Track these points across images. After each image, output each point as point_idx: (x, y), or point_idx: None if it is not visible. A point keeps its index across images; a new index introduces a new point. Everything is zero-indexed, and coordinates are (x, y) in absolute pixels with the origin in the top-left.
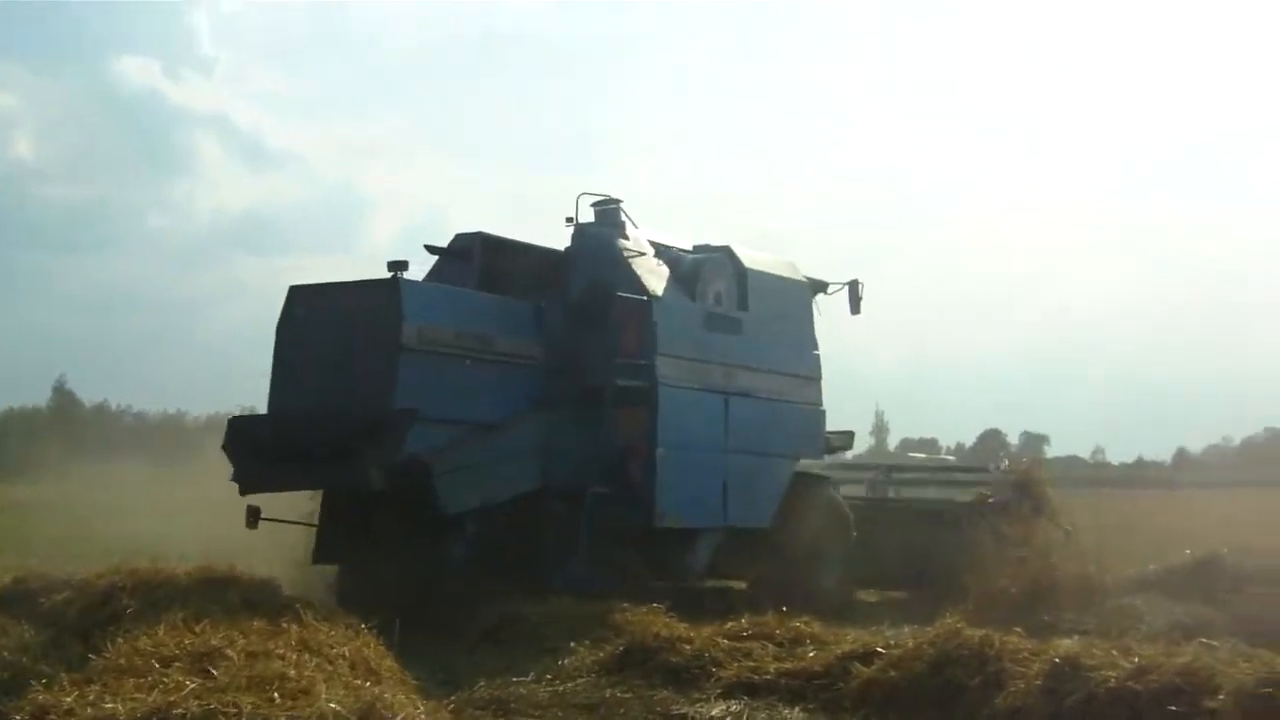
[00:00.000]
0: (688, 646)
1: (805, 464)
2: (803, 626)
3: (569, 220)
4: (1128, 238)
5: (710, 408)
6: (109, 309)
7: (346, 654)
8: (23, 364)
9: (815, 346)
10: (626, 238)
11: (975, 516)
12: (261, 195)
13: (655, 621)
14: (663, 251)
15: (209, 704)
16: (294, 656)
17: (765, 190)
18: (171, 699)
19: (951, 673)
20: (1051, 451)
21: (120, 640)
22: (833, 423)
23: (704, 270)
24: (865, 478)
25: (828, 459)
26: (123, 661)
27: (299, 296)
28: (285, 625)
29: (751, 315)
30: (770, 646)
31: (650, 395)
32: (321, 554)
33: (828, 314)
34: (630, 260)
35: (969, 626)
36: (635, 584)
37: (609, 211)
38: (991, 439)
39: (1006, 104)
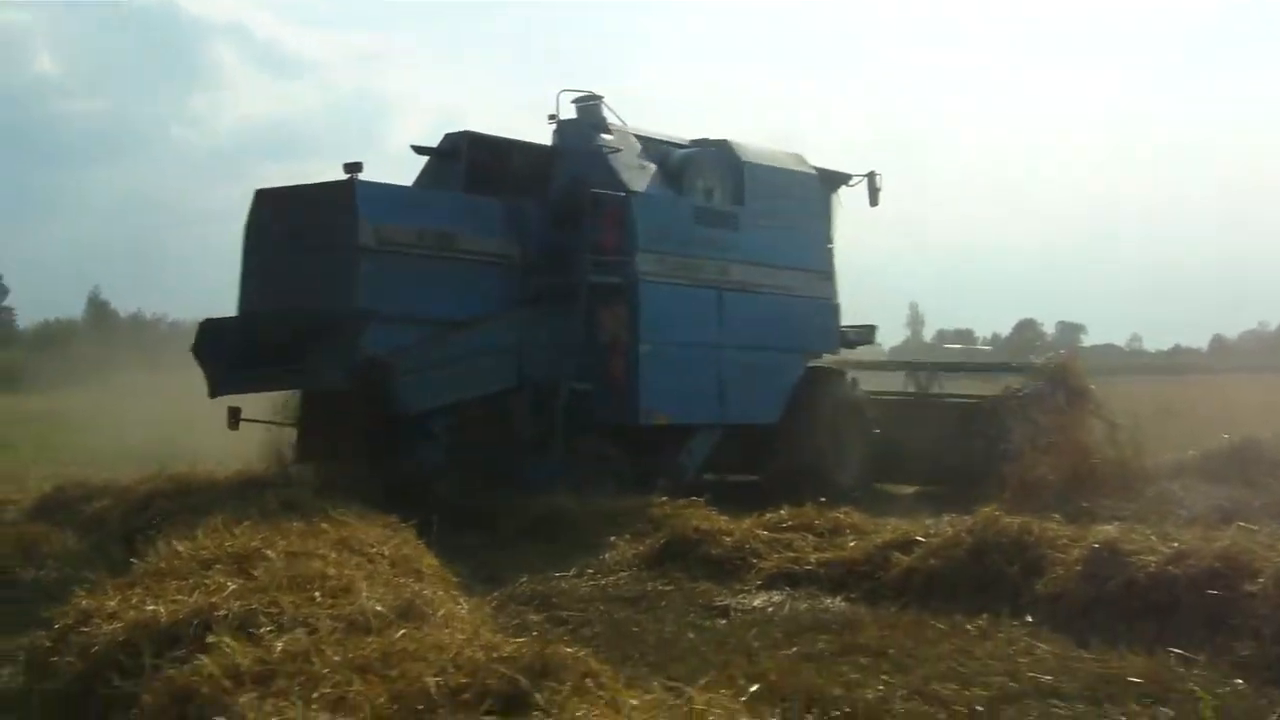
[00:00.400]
0: (728, 538)
1: (829, 360)
2: (842, 517)
3: (551, 117)
4: (1160, 122)
5: (701, 303)
6: (139, 220)
7: (386, 553)
8: (57, 277)
9: (828, 240)
10: (608, 133)
11: (1005, 409)
12: (282, 103)
13: (695, 514)
14: (652, 146)
15: (250, 604)
16: (334, 556)
17: (794, 89)
18: (213, 600)
19: (991, 559)
20: (1088, 340)
21: (161, 544)
22: (866, 316)
23: (694, 164)
24: (903, 373)
25: (853, 354)
26: (164, 565)
27: (263, 199)
28: (324, 526)
29: (750, 209)
30: (810, 537)
31: (630, 291)
32: (303, 454)
33: (850, 207)
34: (608, 156)
35: (1008, 514)
36: (620, 481)
37: (590, 108)
38: (1027, 329)
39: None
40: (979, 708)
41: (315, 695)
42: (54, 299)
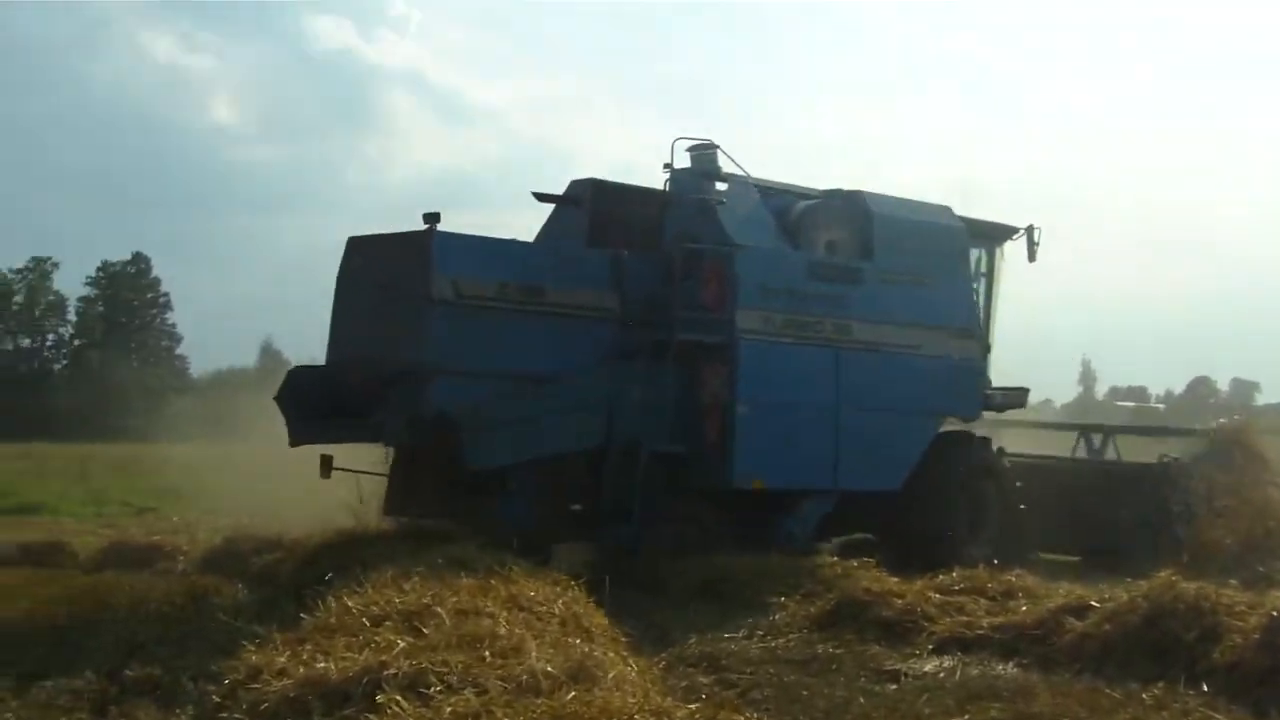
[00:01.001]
0: (899, 601)
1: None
2: (1014, 580)
3: (666, 166)
4: None
5: (816, 363)
6: (312, 268)
7: (557, 611)
8: (231, 326)
9: (975, 297)
10: (722, 182)
11: (1165, 476)
12: (458, 152)
13: (866, 576)
14: (774, 196)
15: (420, 663)
16: (503, 614)
17: (967, 132)
18: (383, 658)
19: (1167, 626)
20: (1262, 398)
21: (331, 599)
22: (1035, 372)
23: (814, 216)
24: (1074, 437)
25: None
26: (334, 620)
27: (355, 247)
28: (493, 583)
29: (878, 263)
30: (982, 600)
31: (730, 350)
32: (391, 506)
33: (1011, 263)
34: (716, 207)
35: (1184, 579)
36: (714, 547)
37: (704, 156)
38: (1200, 386)
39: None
40: None
41: None
42: (227, 347)
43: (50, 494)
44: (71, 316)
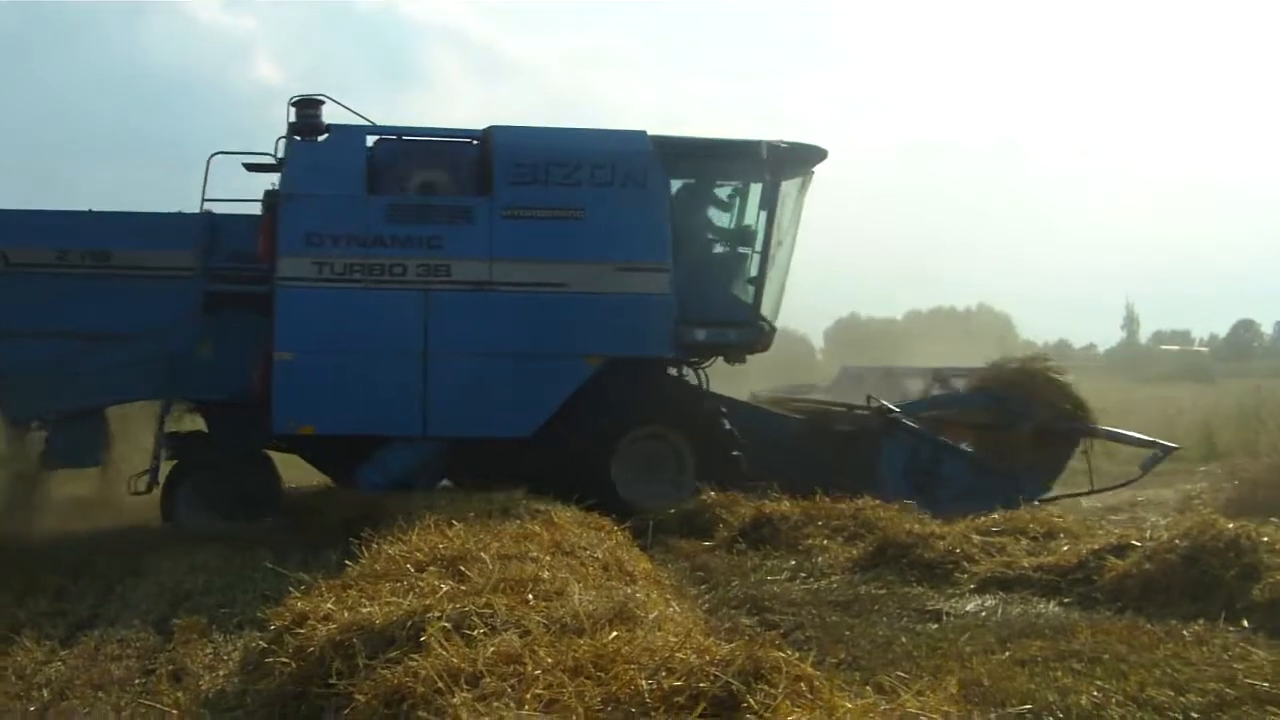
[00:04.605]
0: (940, 542)
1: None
2: (1057, 520)
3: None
4: None
5: (393, 306)
6: None
7: (599, 556)
8: None
9: (666, 227)
10: (318, 134)
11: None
12: (495, 107)
13: (907, 518)
14: (386, 145)
15: (464, 606)
16: (547, 559)
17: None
18: (427, 602)
19: (1207, 564)
20: None
21: (375, 546)
22: (1080, 318)
23: (399, 159)
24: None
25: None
26: (378, 567)
27: None
28: (536, 528)
29: (500, 200)
30: (1023, 541)
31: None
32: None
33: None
34: (284, 161)
35: (1224, 518)
36: (239, 499)
37: (304, 112)
38: (1245, 330)
39: None
40: (1194, 714)
41: (528, 696)
42: None
43: None
44: None
